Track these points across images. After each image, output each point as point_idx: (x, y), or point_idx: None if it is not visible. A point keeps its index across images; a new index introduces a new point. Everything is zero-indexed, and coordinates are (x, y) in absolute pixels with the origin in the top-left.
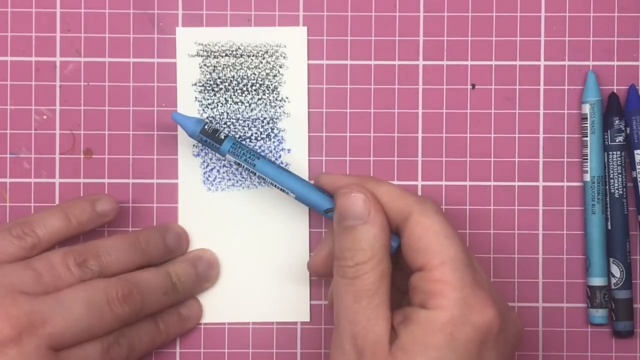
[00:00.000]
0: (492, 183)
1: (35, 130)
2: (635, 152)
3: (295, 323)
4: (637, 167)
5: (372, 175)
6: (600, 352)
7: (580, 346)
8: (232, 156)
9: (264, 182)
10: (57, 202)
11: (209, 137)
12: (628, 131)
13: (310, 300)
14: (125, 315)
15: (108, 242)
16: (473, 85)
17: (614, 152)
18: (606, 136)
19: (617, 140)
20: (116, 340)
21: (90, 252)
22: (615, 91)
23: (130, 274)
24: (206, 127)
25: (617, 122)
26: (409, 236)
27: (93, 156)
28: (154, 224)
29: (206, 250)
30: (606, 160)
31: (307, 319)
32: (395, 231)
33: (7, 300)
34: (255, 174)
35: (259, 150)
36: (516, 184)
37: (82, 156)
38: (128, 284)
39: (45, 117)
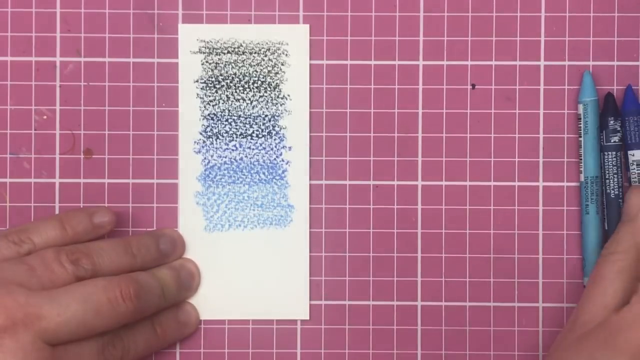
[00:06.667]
0: (492, 183)
1: (35, 130)
2: (629, 152)
3: (294, 322)
4: (631, 167)
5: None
6: None
7: None
8: None
9: (264, 181)
10: (57, 202)
11: None
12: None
13: (309, 299)
14: (128, 313)
15: (99, 243)
16: (473, 85)
17: (610, 153)
18: (602, 137)
19: (612, 141)
20: (110, 341)
21: (81, 251)
22: (615, 91)
23: (130, 274)
24: None
25: (612, 122)
26: None
27: (93, 156)
28: (154, 225)
29: (188, 260)
30: (602, 161)
31: (307, 317)
32: None
33: (2, 291)
34: None
35: (260, 148)
36: (516, 184)
37: (82, 156)
38: (133, 281)
39: (45, 117)
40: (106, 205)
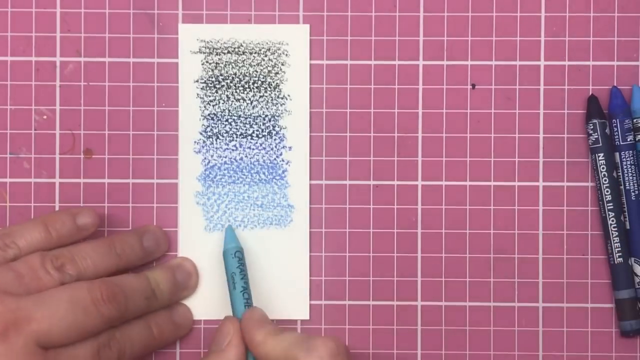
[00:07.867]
0: (492, 183)
1: (35, 130)
2: (616, 154)
3: (295, 322)
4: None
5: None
6: (601, 352)
7: (580, 346)
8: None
9: (264, 181)
10: (57, 202)
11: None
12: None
13: (309, 299)
14: (111, 315)
15: (83, 247)
16: (473, 85)
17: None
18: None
19: (590, 142)
20: (107, 343)
21: (66, 256)
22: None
23: (111, 277)
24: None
25: (591, 125)
26: None
27: (93, 156)
28: (154, 224)
29: (186, 259)
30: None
31: (307, 317)
32: None
33: None
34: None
35: (260, 147)
36: (516, 184)
37: (82, 156)
38: (111, 284)
39: (45, 117)
40: (105, 205)
